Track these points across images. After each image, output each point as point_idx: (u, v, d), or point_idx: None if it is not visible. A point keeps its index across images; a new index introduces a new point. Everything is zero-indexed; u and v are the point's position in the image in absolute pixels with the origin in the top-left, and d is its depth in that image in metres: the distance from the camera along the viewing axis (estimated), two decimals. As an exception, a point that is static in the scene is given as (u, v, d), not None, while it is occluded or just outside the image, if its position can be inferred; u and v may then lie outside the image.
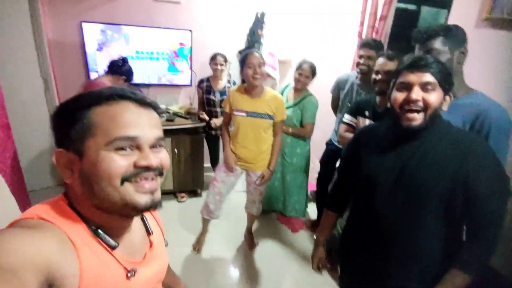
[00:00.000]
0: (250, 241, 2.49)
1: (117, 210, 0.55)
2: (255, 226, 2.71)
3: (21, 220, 0.51)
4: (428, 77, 0.91)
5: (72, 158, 0.53)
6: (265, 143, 2.08)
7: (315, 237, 1.41)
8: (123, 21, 2.84)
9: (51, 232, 0.49)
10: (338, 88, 2.49)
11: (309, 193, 3.07)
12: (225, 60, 2.80)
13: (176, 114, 2.99)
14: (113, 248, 0.57)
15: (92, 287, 0.51)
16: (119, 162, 0.52)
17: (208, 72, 2.93)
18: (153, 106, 0.60)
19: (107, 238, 0.56)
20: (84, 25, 2.68)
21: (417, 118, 0.93)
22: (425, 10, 3.32)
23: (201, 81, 2.91)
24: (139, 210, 0.55)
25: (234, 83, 2.93)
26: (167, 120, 2.85)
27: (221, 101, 2.83)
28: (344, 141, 1.95)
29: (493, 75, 1.46)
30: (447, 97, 0.96)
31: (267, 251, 2.48)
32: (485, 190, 0.89)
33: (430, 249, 0.99)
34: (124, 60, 2.35)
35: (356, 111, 1.91)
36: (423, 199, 0.95)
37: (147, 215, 0.73)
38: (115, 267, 0.57)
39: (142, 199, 0.54)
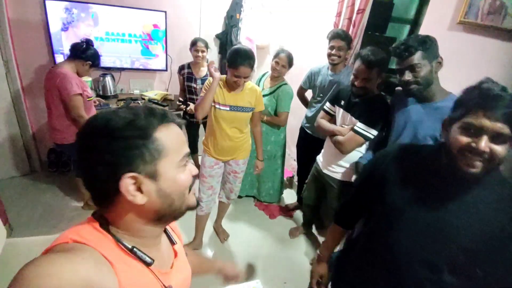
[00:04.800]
0: (222, 234, 2.50)
1: (177, 214, 0.63)
2: (232, 212, 2.78)
3: (56, 245, 0.53)
4: (504, 129, 0.74)
5: (144, 181, 0.55)
6: (246, 133, 2.10)
7: (318, 251, 1.32)
8: (91, -1, 2.64)
9: (86, 253, 0.52)
10: (309, 81, 2.53)
11: (285, 179, 3.18)
12: (206, 46, 2.71)
13: (151, 101, 2.90)
14: (149, 264, 0.61)
15: None
16: (187, 176, 0.61)
17: (185, 56, 2.84)
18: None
19: (143, 255, 0.60)
20: (47, 2, 2.46)
21: (477, 166, 0.78)
22: (398, 0, 3.41)
23: (181, 68, 2.81)
24: (193, 209, 0.65)
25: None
26: (142, 107, 2.75)
27: (203, 89, 2.77)
28: (318, 128, 2.03)
29: (464, 77, 1.53)
30: None
31: (245, 237, 2.55)
32: None
33: None
34: (88, 43, 2.18)
35: (335, 100, 1.97)
36: (453, 255, 0.85)
37: (167, 226, 0.75)
38: (152, 281, 0.61)
39: (194, 200, 0.65)
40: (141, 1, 2.82)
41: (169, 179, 0.57)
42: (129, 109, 0.56)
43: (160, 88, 3.24)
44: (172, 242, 0.74)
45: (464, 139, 0.79)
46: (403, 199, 0.94)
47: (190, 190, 0.63)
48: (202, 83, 2.76)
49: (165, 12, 2.87)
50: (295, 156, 3.02)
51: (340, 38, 2.18)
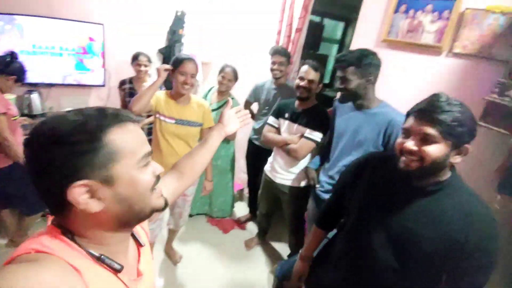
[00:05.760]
0: (174, 255, 2.37)
1: (142, 217, 0.60)
2: (184, 232, 2.67)
3: (17, 257, 0.50)
4: (429, 130, 0.85)
5: (98, 187, 0.52)
6: None
7: (300, 251, 1.38)
8: (15, 10, 2.38)
9: (51, 262, 0.49)
10: (255, 95, 2.64)
11: (235, 192, 3.19)
12: (149, 61, 2.63)
13: (88, 118, 2.67)
14: (119, 271, 0.58)
15: None
16: (148, 177, 0.58)
17: (125, 71, 2.71)
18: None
19: (112, 262, 0.57)
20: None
21: (412, 166, 0.89)
22: (327, 23, 3.80)
23: (122, 83, 2.67)
24: (161, 211, 0.63)
25: (161, 88, 2.78)
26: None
27: (146, 104, 2.65)
28: (267, 141, 2.11)
29: (390, 88, 1.78)
30: (461, 151, 0.87)
31: (200, 255, 2.47)
32: (475, 273, 0.87)
33: None
34: (12, 56, 1.97)
35: (277, 114, 2.09)
36: (416, 261, 0.91)
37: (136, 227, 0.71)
38: None
39: (161, 201, 0.62)
40: (75, 12, 2.64)
41: (127, 182, 0.54)
42: (79, 111, 0.53)
43: (97, 104, 2.97)
44: (140, 244, 0.70)
45: (399, 142, 0.92)
46: (370, 205, 1.01)
47: (152, 191, 0.59)
48: (146, 99, 2.66)
49: (102, 25, 2.72)
50: (243, 168, 3.06)
51: (280, 54, 2.35)
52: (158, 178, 0.61)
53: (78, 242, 0.54)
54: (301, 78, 1.88)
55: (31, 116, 2.54)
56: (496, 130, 1.20)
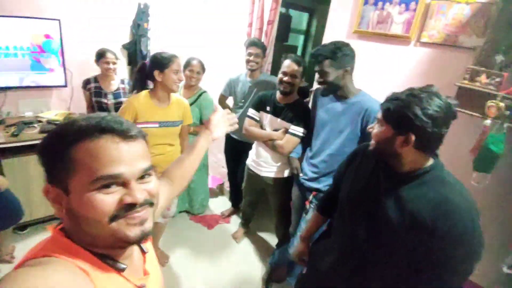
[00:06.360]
0: (160, 257, 2.31)
1: (109, 244, 0.55)
2: (168, 232, 2.61)
3: (25, 261, 0.51)
4: (379, 115, 0.97)
5: (60, 194, 0.53)
6: (177, 145, 2.04)
7: (299, 233, 1.47)
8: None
9: (59, 265, 0.50)
10: (229, 88, 2.62)
11: (215, 187, 3.18)
12: (116, 57, 2.49)
13: (52, 123, 2.48)
14: (122, 270, 0.58)
15: None
16: (105, 202, 0.51)
17: (88, 70, 2.54)
18: (139, 136, 0.58)
19: (115, 262, 0.58)
20: None
21: (371, 145, 1.02)
22: (293, 14, 3.83)
23: (87, 82, 2.50)
24: (130, 243, 0.56)
25: (130, 84, 2.65)
26: (41, 131, 2.34)
27: (116, 104, 2.52)
28: (250, 135, 2.10)
29: (362, 77, 1.82)
30: (409, 138, 0.88)
31: (187, 254, 2.45)
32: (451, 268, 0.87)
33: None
34: None
35: (258, 106, 2.08)
36: (393, 248, 0.95)
37: None
38: (127, 287, 0.60)
39: (132, 232, 0.54)
40: (28, 8, 2.40)
41: (78, 199, 0.51)
42: (75, 119, 0.55)
43: (60, 107, 2.80)
44: (143, 251, 0.70)
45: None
46: (356, 192, 1.08)
47: (114, 219, 0.52)
48: (115, 98, 2.53)
49: (59, 20, 2.51)
50: (222, 163, 3.05)
51: (257, 46, 2.35)
52: (126, 206, 0.53)
53: (81, 244, 0.55)
54: (284, 73, 1.87)
55: (-12, 123, 2.31)
56: (468, 113, 1.31)
